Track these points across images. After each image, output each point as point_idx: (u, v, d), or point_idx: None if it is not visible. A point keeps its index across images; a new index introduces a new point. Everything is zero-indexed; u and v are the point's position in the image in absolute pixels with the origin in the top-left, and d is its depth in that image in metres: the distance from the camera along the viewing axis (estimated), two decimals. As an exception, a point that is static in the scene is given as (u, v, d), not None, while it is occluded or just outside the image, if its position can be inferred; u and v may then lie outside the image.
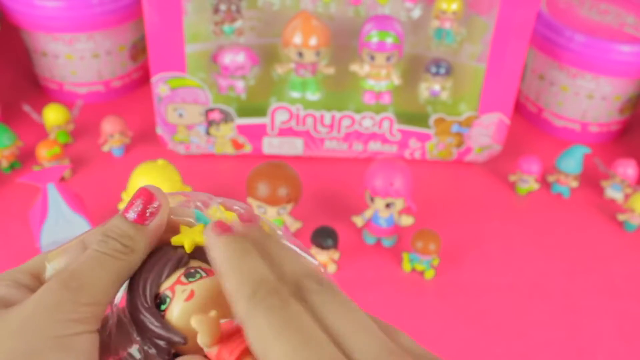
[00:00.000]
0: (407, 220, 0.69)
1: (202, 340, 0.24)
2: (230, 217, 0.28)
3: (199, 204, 0.28)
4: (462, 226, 0.74)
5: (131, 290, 0.26)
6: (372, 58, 0.74)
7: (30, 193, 0.71)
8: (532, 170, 0.77)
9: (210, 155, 0.81)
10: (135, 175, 0.66)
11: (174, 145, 0.80)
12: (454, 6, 0.74)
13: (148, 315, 0.25)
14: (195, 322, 0.24)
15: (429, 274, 0.67)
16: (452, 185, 0.81)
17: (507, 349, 0.62)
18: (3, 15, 0.84)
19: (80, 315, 0.24)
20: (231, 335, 0.24)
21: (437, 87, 0.79)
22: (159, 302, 0.26)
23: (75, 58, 0.85)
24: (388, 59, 0.74)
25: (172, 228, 0.27)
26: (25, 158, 0.79)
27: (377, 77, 0.76)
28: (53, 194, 0.61)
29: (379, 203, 0.67)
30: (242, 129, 0.78)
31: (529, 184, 0.78)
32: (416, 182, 0.71)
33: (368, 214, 0.70)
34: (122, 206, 0.67)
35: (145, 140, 0.83)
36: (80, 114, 0.85)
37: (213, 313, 0.24)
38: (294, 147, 0.80)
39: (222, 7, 0.73)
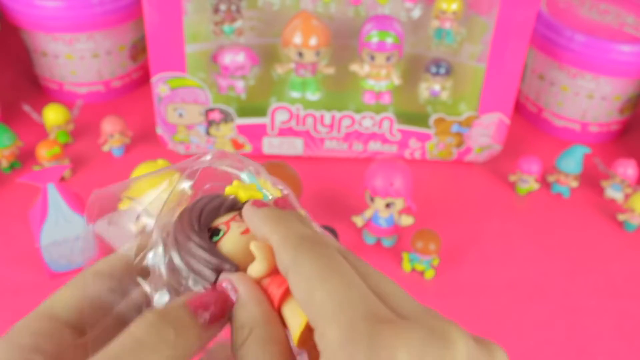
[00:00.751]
0: (407, 220, 0.69)
1: (258, 267, 0.25)
2: (274, 193, 0.29)
3: (251, 168, 0.30)
4: (462, 226, 0.74)
5: (181, 220, 0.27)
6: (372, 58, 0.74)
7: (30, 193, 0.71)
8: (532, 170, 0.77)
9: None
10: (135, 175, 0.66)
11: (174, 145, 0.80)
12: (454, 6, 0.74)
13: (198, 240, 0.26)
14: (254, 248, 0.25)
15: (429, 274, 0.67)
16: (452, 185, 0.81)
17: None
18: (3, 15, 0.84)
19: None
20: (278, 274, 0.25)
21: (437, 87, 0.79)
22: (210, 234, 0.26)
23: (75, 58, 0.85)
24: (388, 59, 0.74)
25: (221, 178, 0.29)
26: (25, 158, 0.79)
27: (377, 77, 0.76)
28: (53, 194, 0.61)
29: (379, 203, 0.67)
30: (242, 129, 0.78)
31: (529, 184, 0.78)
32: (416, 182, 0.71)
33: (368, 214, 0.70)
34: (122, 206, 0.67)
35: (145, 140, 0.83)
36: (80, 114, 0.85)
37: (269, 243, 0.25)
38: (294, 147, 0.80)
39: (222, 7, 0.73)
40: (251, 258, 0.26)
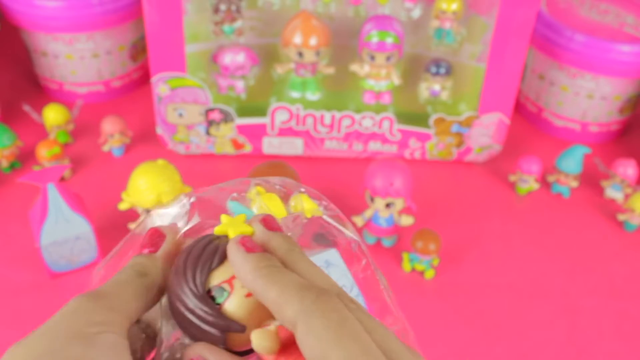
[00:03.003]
0: (407, 220, 0.69)
1: (262, 349, 0.25)
2: (270, 202, 0.29)
3: (234, 194, 0.30)
4: (462, 226, 0.74)
5: (178, 280, 0.27)
6: (372, 58, 0.74)
7: (30, 193, 0.71)
8: (532, 170, 0.77)
9: (210, 155, 0.81)
10: (135, 175, 0.66)
11: (174, 145, 0.80)
12: (454, 6, 0.74)
13: (201, 305, 0.26)
14: (256, 337, 0.25)
15: (429, 274, 0.67)
16: (452, 185, 0.81)
17: (507, 349, 0.62)
18: (3, 15, 0.84)
19: (102, 317, 0.25)
20: (288, 345, 0.25)
21: (437, 87, 0.79)
22: (212, 294, 0.26)
23: (75, 58, 0.85)
24: (388, 58, 0.74)
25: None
26: (25, 158, 0.79)
27: (377, 77, 0.76)
28: (53, 194, 0.61)
29: (379, 203, 0.67)
30: (242, 129, 0.78)
31: (529, 184, 0.78)
32: (416, 182, 0.71)
33: (368, 214, 0.70)
34: (122, 206, 0.67)
35: (145, 140, 0.83)
36: (80, 114, 0.85)
37: (273, 327, 0.25)
38: (294, 147, 0.80)
39: (222, 7, 0.73)
40: (257, 318, 0.26)
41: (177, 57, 0.72)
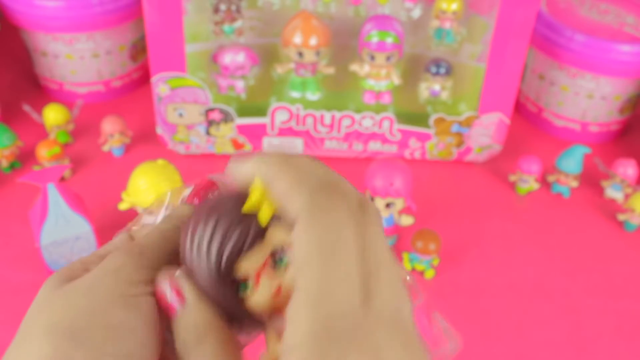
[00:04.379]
0: (407, 220, 0.69)
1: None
2: None
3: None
4: (462, 226, 0.74)
5: (198, 249, 0.24)
6: (372, 58, 0.74)
7: (30, 193, 0.71)
8: (532, 170, 0.77)
9: (210, 155, 0.81)
10: (135, 175, 0.66)
11: (174, 145, 0.80)
12: (454, 6, 0.74)
13: (223, 293, 0.24)
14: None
15: (429, 274, 0.67)
16: (452, 185, 0.81)
17: (507, 349, 0.62)
18: (3, 15, 0.84)
19: (142, 276, 0.25)
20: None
21: (437, 87, 0.79)
22: (237, 281, 0.24)
23: (75, 58, 0.85)
24: (388, 58, 0.74)
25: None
26: (25, 158, 0.79)
27: (377, 77, 0.76)
28: (53, 194, 0.61)
29: (379, 203, 0.67)
30: (242, 129, 0.78)
31: (529, 184, 0.78)
32: (416, 182, 0.71)
33: (368, 214, 0.69)
34: (122, 206, 0.67)
35: (145, 140, 0.83)
36: (80, 114, 0.85)
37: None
38: (294, 147, 0.80)
39: (222, 7, 0.73)
40: (278, 316, 0.24)
41: (177, 57, 0.72)
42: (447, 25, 0.76)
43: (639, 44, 0.79)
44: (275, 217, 0.24)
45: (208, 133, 0.78)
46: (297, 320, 0.20)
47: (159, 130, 0.79)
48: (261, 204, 0.24)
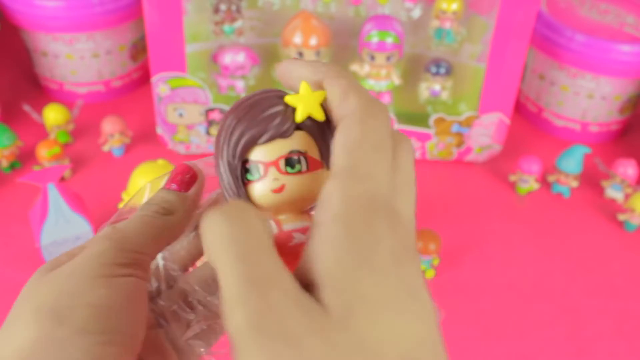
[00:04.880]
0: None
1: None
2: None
3: None
4: (462, 226, 0.74)
5: (226, 131, 0.25)
6: (372, 58, 0.74)
7: (30, 193, 0.71)
8: (532, 170, 0.77)
9: (210, 155, 0.81)
10: (135, 175, 0.66)
11: (174, 145, 0.80)
12: (454, 6, 0.74)
13: (229, 171, 0.25)
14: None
15: (429, 274, 0.67)
16: (452, 185, 0.81)
17: (507, 349, 0.62)
18: (3, 15, 0.84)
19: (123, 260, 0.25)
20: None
21: (437, 87, 0.79)
22: (247, 166, 0.25)
23: (75, 58, 0.85)
24: (388, 58, 0.74)
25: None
26: (25, 158, 0.79)
27: (377, 77, 0.76)
28: (53, 194, 0.61)
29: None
30: (242, 129, 0.78)
31: (529, 184, 0.78)
32: (416, 182, 0.70)
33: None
34: (121, 206, 0.67)
35: (145, 140, 0.83)
36: (80, 114, 0.85)
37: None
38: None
39: (222, 7, 0.73)
40: (275, 219, 0.25)
41: (177, 57, 0.72)
42: (447, 25, 0.76)
43: (639, 44, 0.79)
44: (307, 120, 0.24)
45: (208, 133, 0.78)
46: (333, 196, 0.21)
47: (159, 130, 0.79)
48: (303, 102, 0.24)
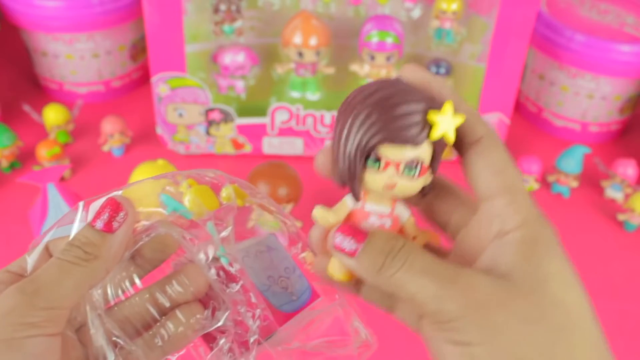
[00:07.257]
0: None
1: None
2: (201, 194, 0.28)
3: (168, 188, 0.28)
4: (462, 226, 0.74)
5: (355, 117, 0.26)
6: (372, 58, 0.74)
7: (30, 193, 0.71)
8: (532, 170, 0.77)
9: (210, 155, 0.81)
10: (135, 175, 0.66)
11: (174, 145, 0.80)
12: (454, 6, 0.74)
13: (353, 158, 0.26)
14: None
15: (429, 274, 0.67)
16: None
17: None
18: (3, 15, 0.84)
19: (35, 319, 0.23)
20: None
21: (437, 87, 0.79)
22: (373, 153, 0.26)
23: (75, 58, 0.85)
24: (388, 58, 0.74)
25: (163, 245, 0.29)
26: (25, 158, 0.79)
27: (377, 77, 0.76)
28: (53, 194, 0.61)
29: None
30: (242, 129, 0.78)
31: (529, 184, 0.78)
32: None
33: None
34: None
35: (145, 140, 0.83)
36: (80, 114, 0.85)
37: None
38: (294, 147, 0.80)
39: (222, 7, 0.73)
40: (374, 199, 0.27)
41: (177, 57, 0.72)
42: (447, 25, 0.76)
43: (639, 44, 0.79)
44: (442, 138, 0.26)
45: (208, 133, 0.78)
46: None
47: (159, 130, 0.79)
48: (445, 123, 0.26)
